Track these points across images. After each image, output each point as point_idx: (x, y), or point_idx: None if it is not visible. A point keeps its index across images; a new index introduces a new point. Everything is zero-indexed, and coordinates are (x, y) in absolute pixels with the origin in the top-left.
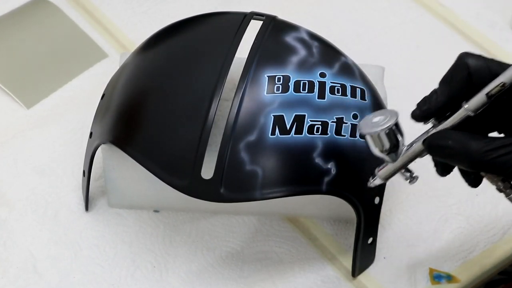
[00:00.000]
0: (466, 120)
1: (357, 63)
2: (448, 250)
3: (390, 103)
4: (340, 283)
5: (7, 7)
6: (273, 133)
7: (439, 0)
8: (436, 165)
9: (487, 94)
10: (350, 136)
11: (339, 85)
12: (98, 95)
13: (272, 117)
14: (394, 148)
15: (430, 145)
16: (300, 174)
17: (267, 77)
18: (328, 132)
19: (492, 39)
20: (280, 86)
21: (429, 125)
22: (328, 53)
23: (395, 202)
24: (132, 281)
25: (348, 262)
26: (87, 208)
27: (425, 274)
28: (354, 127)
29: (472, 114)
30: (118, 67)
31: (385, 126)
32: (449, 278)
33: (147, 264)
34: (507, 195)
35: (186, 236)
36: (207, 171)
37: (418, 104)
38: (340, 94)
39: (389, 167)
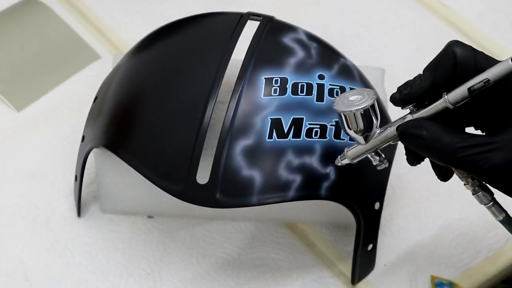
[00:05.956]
0: (444, 111)
1: (356, 65)
2: (450, 256)
3: (391, 105)
4: None
5: None
6: (270, 136)
7: (441, 0)
8: (407, 153)
9: (469, 88)
10: (350, 140)
11: (338, 87)
12: (90, 98)
13: (270, 120)
14: (367, 129)
15: (403, 133)
16: (298, 179)
17: (264, 79)
18: (327, 135)
19: (496, 40)
20: (278, 88)
21: (406, 111)
22: (327, 55)
23: (395, 207)
24: None
25: (347, 269)
26: (79, 214)
27: (427, 282)
28: None
29: (451, 107)
30: (111, 69)
31: (362, 106)
32: (451, 285)
33: (140, 271)
34: (474, 193)
35: (181, 243)
36: (203, 176)
37: (399, 88)
38: None
39: (359, 148)
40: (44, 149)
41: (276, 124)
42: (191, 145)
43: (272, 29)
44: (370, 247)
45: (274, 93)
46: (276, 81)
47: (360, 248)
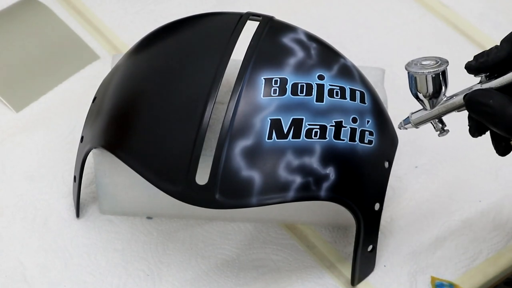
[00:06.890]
0: None
1: (356, 65)
2: (450, 257)
3: (391, 106)
4: None
5: None
6: (270, 137)
7: (441, 0)
8: (470, 123)
9: None
10: (349, 141)
11: (338, 87)
12: (89, 98)
13: (269, 120)
14: (435, 94)
15: (470, 100)
16: (298, 179)
17: (263, 80)
18: (327, 136)
19: (496, 40)
20: (277, 88)
21: (476, 80)
22: (327, 55)
23: (395, 208)
24: None
25: (347, 271)
26: (78, 215)
27: (427, 283)
28: (353, 131)
29: None
30: (110, 69)
31: (434, 70)
32: (452, 286)
33: (139, 272)
34: None
35: (180, 244)
36: (202, 177)
37: (476, 56)
38: (339, 97)
39: (423, 113)
40: (43, 149)
41: (276, 125)
42: (190, 145)
43: (272, 29)
44: (370, 248)
45: (273, 93)
46: (276, 82)
47: (360, 249)
